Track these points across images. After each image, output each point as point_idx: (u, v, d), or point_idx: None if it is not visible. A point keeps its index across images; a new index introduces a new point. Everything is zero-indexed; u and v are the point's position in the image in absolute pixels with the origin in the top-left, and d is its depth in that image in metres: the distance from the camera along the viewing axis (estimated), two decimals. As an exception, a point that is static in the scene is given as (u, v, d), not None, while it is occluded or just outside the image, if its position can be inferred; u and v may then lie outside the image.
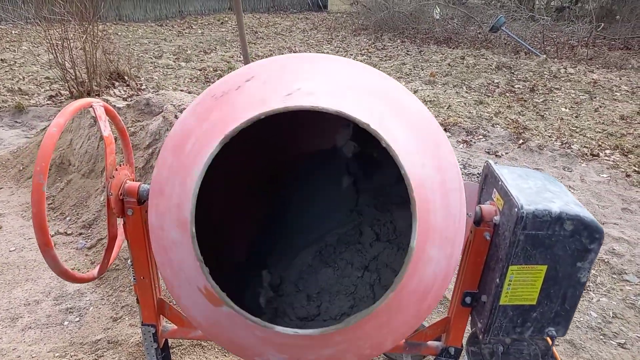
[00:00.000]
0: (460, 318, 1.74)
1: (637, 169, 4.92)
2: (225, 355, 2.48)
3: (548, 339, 2.10)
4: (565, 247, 1.45)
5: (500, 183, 1.55)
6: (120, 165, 1.60)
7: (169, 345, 1.98)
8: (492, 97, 7.17)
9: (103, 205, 3.76)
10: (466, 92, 7.39)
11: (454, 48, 10.36)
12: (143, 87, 7.15)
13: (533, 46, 9.96)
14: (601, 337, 2.78)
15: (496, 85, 7.69)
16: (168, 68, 8.49)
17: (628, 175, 4.76)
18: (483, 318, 1.63)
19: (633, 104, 6.81)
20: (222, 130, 1.11)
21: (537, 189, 1.53)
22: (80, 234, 3.58)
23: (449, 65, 8.85)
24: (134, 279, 1.74)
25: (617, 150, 5.34)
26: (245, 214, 1.95)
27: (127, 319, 2.74)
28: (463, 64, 8.91)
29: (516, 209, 1.41)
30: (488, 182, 1.67)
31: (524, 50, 9.76)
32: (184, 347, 2.49)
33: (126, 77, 7.05)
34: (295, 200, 1.98)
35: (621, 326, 2.87)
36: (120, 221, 1.67)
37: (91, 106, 1.57)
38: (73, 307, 2.84)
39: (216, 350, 2.52)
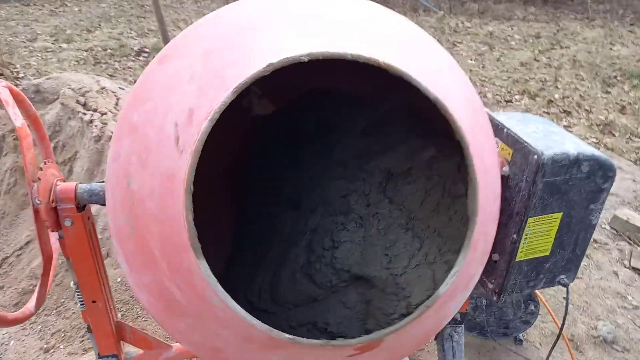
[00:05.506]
0: (465, 282, 1.61)
1: (546, 110, 5.24)
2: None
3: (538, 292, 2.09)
4: (580, 190, 1.36)
5: (505, 131, 1.41)
6: (45, 164, 1.21)
7: (132, 372, 1.64)
8: (403, 55, 7.22)
9: None
10: (377, 52, 7.37)
11: (354, 10, 10.30)
12: (21, 75, 6.14)
13: (428, 2, 10.22)
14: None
15: (403, 43, 7.76)
16: (47, 51, 7.41)
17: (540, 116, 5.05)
18: (495, 278, 1.51)
19: (528, 51, 7.25)
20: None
21: (543, 132, 1.41)
22: (-25, 256, 2.96)
23: (354, 26, 8.77)
24: (82, 304, 1.38)
25: (526, 95, 5.64)
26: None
27: (62, 347, 2.30)
28: (367, 24, 8.87)
29: (536, 157, 1.27)
30: (485, 131, 1.53)
31: (422, 8, 9.97)
32: (142, 368, 2.13)
33: (-3, 66, 6.01)
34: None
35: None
36: (54, 236, 1.29)
37: (-9, 87, 1.15)
38: (-13, 346, 2.32)
39: (180, 362, 2.19)
